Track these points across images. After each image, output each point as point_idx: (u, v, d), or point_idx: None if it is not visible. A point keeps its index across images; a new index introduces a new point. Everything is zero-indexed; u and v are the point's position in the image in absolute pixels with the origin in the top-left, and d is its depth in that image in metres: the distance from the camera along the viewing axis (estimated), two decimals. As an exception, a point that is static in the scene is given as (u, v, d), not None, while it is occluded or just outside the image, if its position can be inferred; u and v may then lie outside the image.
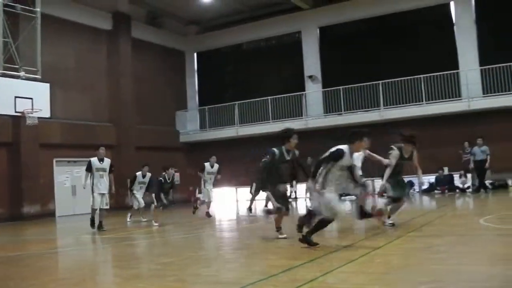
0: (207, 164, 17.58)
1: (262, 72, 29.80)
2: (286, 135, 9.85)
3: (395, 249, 8.07)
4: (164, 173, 16.29)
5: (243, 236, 12.39)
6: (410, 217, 12.31)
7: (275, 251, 8.92)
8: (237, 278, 6.54)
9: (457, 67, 25.13)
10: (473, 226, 10.15)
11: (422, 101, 24.59)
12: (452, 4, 26.09)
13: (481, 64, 24.74)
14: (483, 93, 24.26)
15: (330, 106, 27.33)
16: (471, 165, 21.67)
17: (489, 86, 23.94)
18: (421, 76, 24.64)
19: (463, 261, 6.81)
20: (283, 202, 9.99)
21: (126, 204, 22.99)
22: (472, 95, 24.08)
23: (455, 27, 25.97)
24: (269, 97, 28.22)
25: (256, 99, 28.51)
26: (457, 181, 23.56)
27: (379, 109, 25.46)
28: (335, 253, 8.00)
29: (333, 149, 8.51)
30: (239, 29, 30.62)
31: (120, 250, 10.81)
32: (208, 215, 17.08)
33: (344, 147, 8.44)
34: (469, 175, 22.82)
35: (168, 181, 16.30)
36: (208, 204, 17.62)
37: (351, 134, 8.64)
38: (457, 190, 23.04)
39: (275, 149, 9.78)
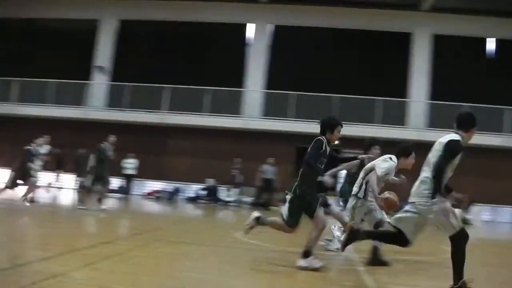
0: (34, 147, 15.00)
1: (50, 53, 27.79)
2: (330, 123, 7.50)
3: (152, 252, 8.05)
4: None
5: (10, 223, 11.00)
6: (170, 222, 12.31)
7: (33, 241, 8.45)
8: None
9: (243, 86, 26.25)
10: (227, 239, 10.47)
11: (205, 112, 25.15)
12: (250, 25, 27.13)
13: (267, 87, 26.09)
14: (263, 115, 25.42)
15: (115, 101, 26.49)
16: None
17: (269, 110, 25.26)
18: (206, 87, 25.17)
19: (211, 270, 7.00)
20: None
21: None
22: (253, 115, 25.29)
23: (248, 48, 27.02)
24: (50, 80, 26.25)
25: (37, 80, 26.26)
26: (223, 194, 24.21)
27: (161, 112, 25.50)
28: (92, 248, 7.77)
29: (446, 140, 5.87)
30: (35, 2, 28.19)
31: None
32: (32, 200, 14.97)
33: (457, 137, 5.90)
34: (235, 190, 23.78)
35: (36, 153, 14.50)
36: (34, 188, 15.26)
37: (472, 118, 6.08)
38: (219, 203, 23.58)
39: (320, 138, 7.32)
